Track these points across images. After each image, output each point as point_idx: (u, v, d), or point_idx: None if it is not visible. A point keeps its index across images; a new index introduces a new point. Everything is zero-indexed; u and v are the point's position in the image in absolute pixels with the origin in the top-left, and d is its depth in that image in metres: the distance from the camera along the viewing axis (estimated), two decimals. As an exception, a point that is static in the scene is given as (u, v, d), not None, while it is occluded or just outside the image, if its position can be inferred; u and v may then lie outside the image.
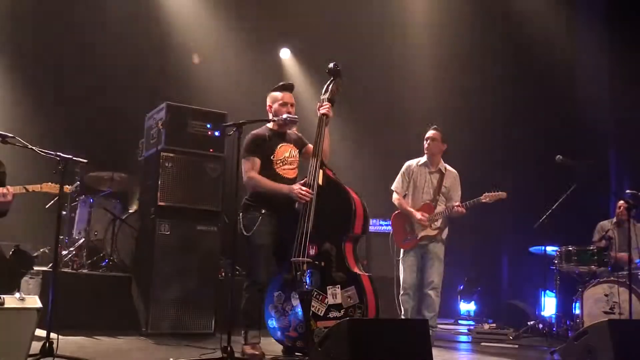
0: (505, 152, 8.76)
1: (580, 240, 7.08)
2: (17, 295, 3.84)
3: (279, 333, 4.65)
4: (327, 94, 4.80)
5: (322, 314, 4.42)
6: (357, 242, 4.72)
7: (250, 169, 4.70)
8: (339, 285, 4.44)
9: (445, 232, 6.13)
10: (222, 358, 4.08)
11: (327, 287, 4.45)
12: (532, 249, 7.52)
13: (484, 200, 5.91)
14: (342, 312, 4.38)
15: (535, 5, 8.69)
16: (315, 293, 4.46)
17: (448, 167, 6.23)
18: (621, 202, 7.17)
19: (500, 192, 5.92)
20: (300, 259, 4.49)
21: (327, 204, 4.57)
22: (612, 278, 6.58)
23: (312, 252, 4.52)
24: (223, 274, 6.47)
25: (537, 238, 7.21)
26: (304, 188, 4.58)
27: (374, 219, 7.72)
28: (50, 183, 4.71)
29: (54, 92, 8.22)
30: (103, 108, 8.38)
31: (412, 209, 6.05)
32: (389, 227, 7.32)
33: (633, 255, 6.10)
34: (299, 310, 4.49)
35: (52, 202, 6.51)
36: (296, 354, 4.60)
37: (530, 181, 8.24)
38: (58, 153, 4.24)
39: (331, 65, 4.85)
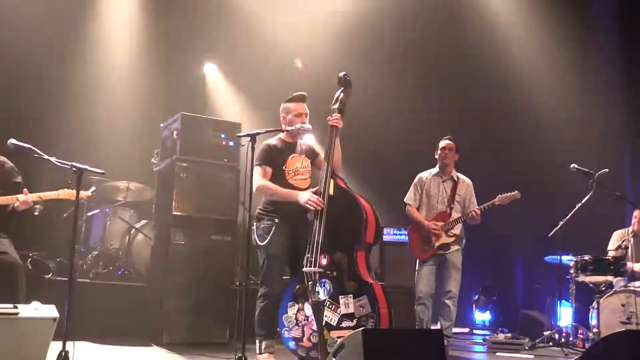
0: (519, 162, 8.72)
1: (595, 250, 7.03)
2: (33, 304, 3.89)
3: (292, 343, 4.64)
4: (337, 104, 4.80)
5: (335, 324, 4.42)
6: (370, 250, 4.69)
7: (261, 176, 4.72)
8: (351, 295, 4.43)
9: (463, 240, 6.13)
10: (236, 368, 4.10)
11: (340, 297, 4.45)
12: (547, 259, 7.49)
13: (498, 202, 5.93)
14: (355, 321, 4.36)
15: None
16: (328, 303, 4.46)
17: (460, 175, 6.25)
18: (637, 211, 7.14)
19: (513, 192, 5.94)
20: (312, 269, 4.49)
21: (338, 213, 4.57)
22: (629, 288, 6.53)
23: (324, 261, 4.52)
24: (237, 283, 6.48)
25: (553, 247, 7.17)
26: (314, 197, 4.58)
27: (388, 228, 7.70)
28: (66, 189, 4.75)
29: (70, 102, 8.30)
30: (119, 118, 8.46)
31: (423, 220, 6.07)
32: (404, 237, 7.33)
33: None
34: (312, 320, 4.49)
35: (69, 211, 6.57)
36: (310, 363, 4.60)
37: (544, 190, 8.20)
38: (73, 163, 4.28)
39: (341, 74, 4.85)
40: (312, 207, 4.55)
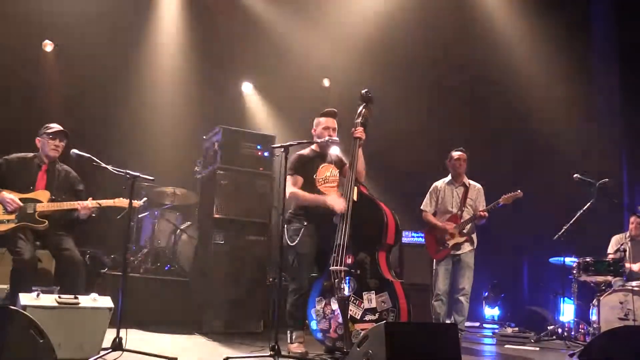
0: (527, 171, 8.62)
1: (596, 252, 6.93)
2: (91, 296, 3.94)
3: (320, 334, 4.64)
4: (360, 119, 4.77)
5: (359, 317, 4.40)
6: (390, 251, 4.68)
7: (292, 184, 4.73)
8: (374, 291, 4.42)
9: (475, 241, 6.09)
10: (270, 355, 4.09)
11: (363, 293, 4.43)
12: (552, 260, 7.39)
13: (502, 202, 5.91)
14: (377, 315, 4.35)
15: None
16: (353, 298, 4.45)
17: (471, 181, 6.22)
18: (634, 217, 7.04)
19: (516, 192, 5.90)
20: (338, 267, 4.48)
21: (362, 218, 4.56)
22: (626, 287, 6.43)
23: (348, 261, 4.50)
24: (270, 279, 6.49)
25: (557, 249, 7.08)
26: (339, 200, 4.59)
27: (406, 231, 7.67)
28: (122, 198, 4.81)
29: (125, 118, 8.42)
30: (166, 131, 8.55)
31: (438, 222, 6.05)
32: (421, 239, 7.29)
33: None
34: (338, 313, 4.48)
35: (122, 214, 6.63)
36: (336, 353, 4.57)
37: (550, 198, 8.10)
38: (127, 171, 4.33)
39: (363, 91, 4.83)
40: (337, 209, 4.56)
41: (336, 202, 4.59)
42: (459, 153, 6.20)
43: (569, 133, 8.59)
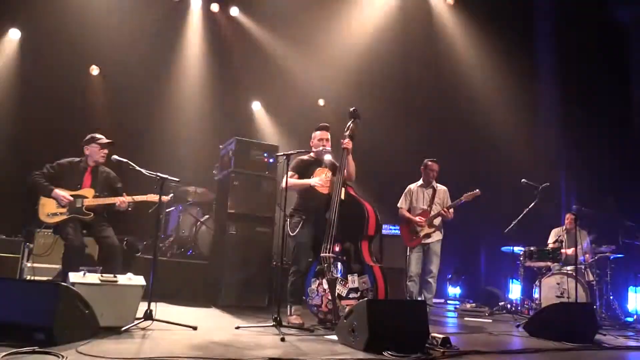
0: (484, 176, 8.66)
1: (538, 242, 6.98)
2: (127, 275, 3.95)
3: (314, 308, 4.66)
4: (348, 132, 4.77)
5: (345, 295, 4.42)
6: (372, 241, 4.69)
7: (289, 177, 4.75)
8: (357, 274, 4.43)
9: (442, 233, 6.11)
10: (273, 325, 4.12)
11: (348, 275, 4.45)
12: (503, 249, 7.44)
13: (464, 199, 5.94)
14: (359, 293, 4.36)
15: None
16: (340, 279, 4.47)
17: (439, 185, 6.26)
18: (569, 214, 7.10)
19: (475, 191, 5.94)
20: (328, 254, 4.50)
21: (348, 213, 4.56)
22: (562, 271, 6.49)
23: (337, 249, 4.52)
24: (274, 263, 6.51)
25: (507, 241, 7.13)
26: (319, 181, 4.64)
27: (386, 224, 7.68)
28: (152, 194, 4.83)
29: (156, 129, 8.42)
30: (190, 140, 8.56)
31: (411, 217, 6.09)
32: (397, 231, 7.33)
33: (578, 254, 6.03)
34: (328, 292, 4.51)
35: (153, 208, 6.63)
36: (327, 324, 4.59)
37: (502, 198, 8.14)
38: (158, 173, 4.35)
39: (351, 109, 4.83)
40: (318, 187, 4.59)
41: (317, 182, 4.61)
42: (434, 164, 6.24)
43: (517, 144, 8.63)
